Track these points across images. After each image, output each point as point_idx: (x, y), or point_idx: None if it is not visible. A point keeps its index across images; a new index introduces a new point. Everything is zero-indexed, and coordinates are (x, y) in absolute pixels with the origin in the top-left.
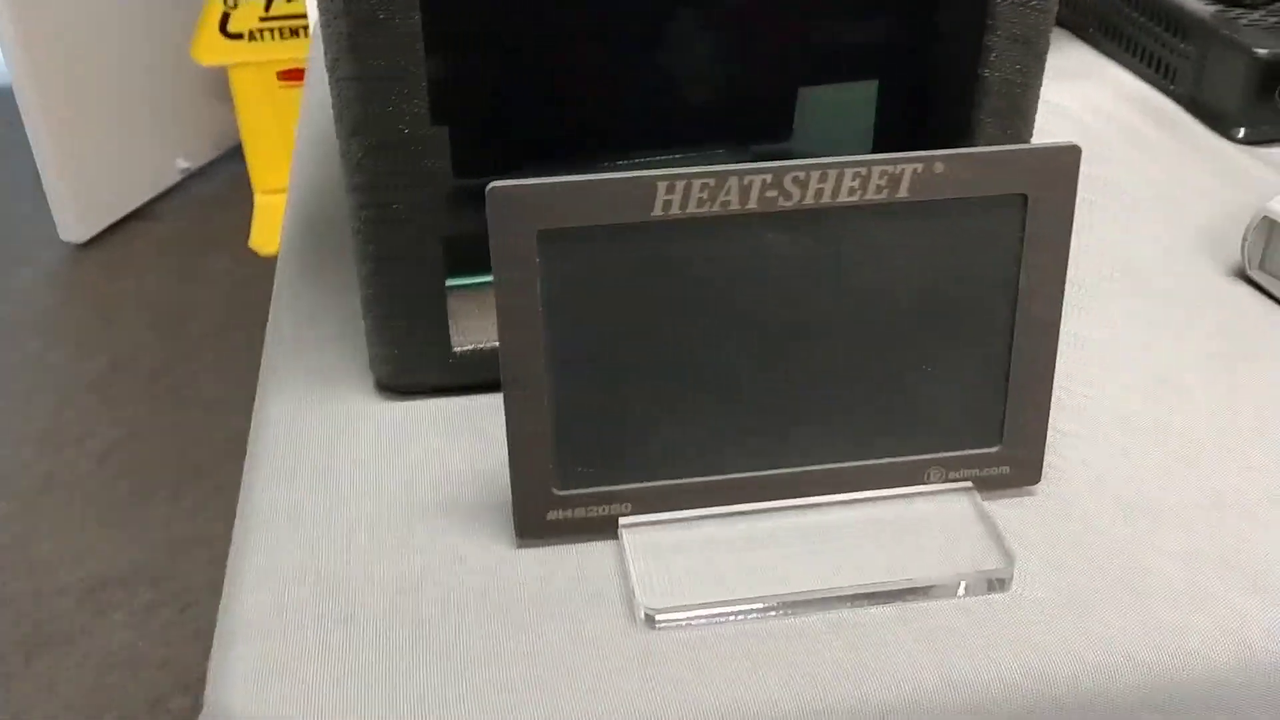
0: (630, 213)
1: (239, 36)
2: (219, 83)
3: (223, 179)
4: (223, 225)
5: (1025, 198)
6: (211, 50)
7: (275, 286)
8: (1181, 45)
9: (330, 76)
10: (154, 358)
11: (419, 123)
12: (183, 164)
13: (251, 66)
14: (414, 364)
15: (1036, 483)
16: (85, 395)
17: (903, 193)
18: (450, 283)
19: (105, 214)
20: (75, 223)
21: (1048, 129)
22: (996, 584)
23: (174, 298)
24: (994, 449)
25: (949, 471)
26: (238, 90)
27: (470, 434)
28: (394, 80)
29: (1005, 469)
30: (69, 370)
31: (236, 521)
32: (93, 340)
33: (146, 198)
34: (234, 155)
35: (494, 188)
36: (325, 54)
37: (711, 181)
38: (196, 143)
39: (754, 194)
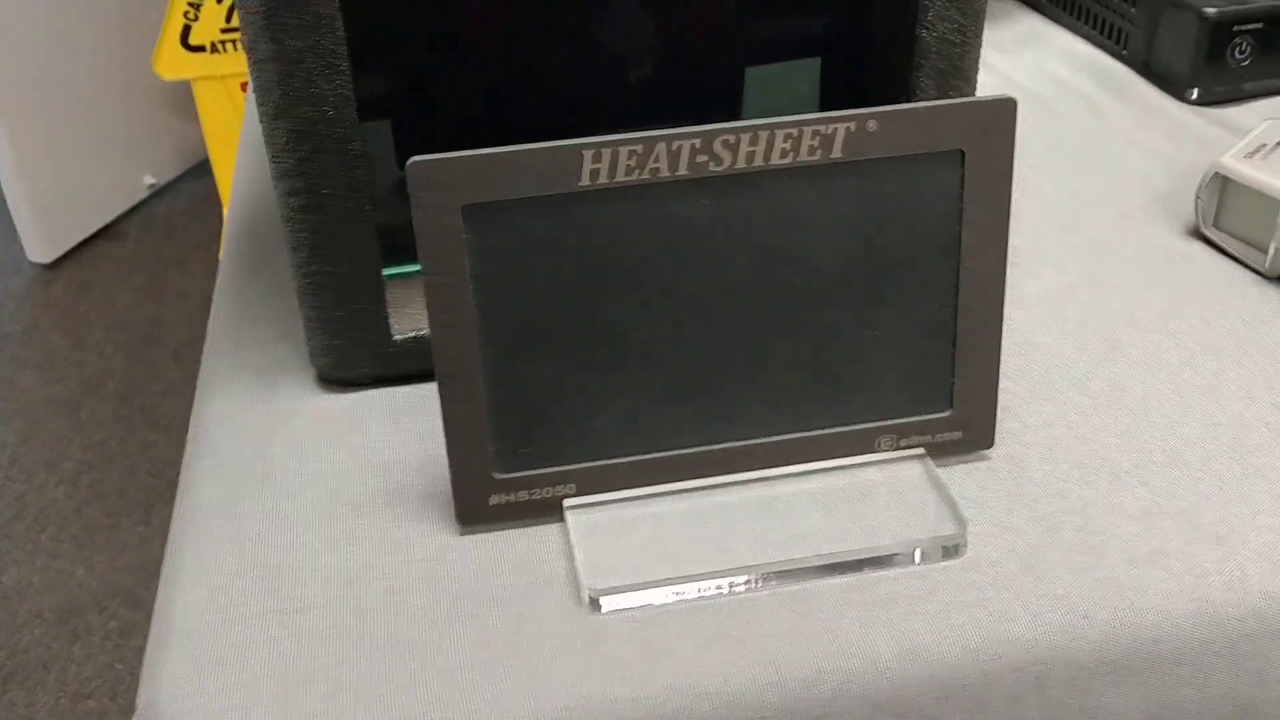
0: (557, 183)
1: (201, 49)
2: (184, 97)
3: (190, 194)
4: (192, 241)
5: (962, 153)
6: (173, 64)
7: (217, 285)
8: (1131, 9)
9: (250, 60)
10: (125, 378)
11: (343, 104)
12: (149, 180)
13: (215, 79)
14: (353, 354)
15: (990, 447)
16: (56, 418)
17: (837, 153)
18: (390, 271)
19: (72, 233)
20: (42, 243)
21: None
22: (951, 550)
23: (144, 316)
24: (945, 414)
25: (900, 439)
26: (202, 104)
27: (413, 423)
28: (314, 60)
29: (957, 434)
30: (39, 393)
31: (173, 519)
32: (63, 362)
33: (114, 216)
34: (201, 170)
35: (415, 162)
36: (243, 36)
37: (639, 148)
38: (163, 158)
39: (684, 160)
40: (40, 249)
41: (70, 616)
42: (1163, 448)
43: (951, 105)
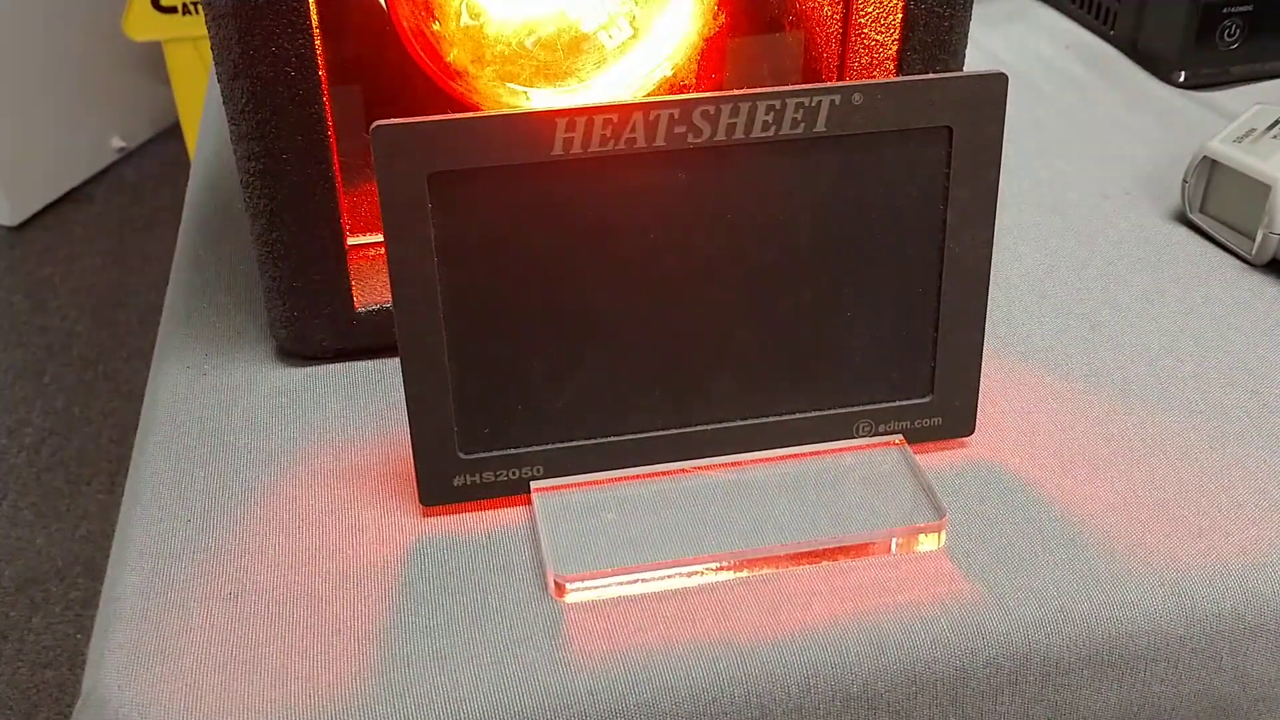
0: (528, 152)
1: (172, 10)
2: (154, 58)
3: (160, 158)
4: (160, 205)
5: (950, 130)
6: (144, 25)
7: (176, 251)
8: None
9: (207, 15)
10: (89, 343)
11: (306, 65)
12: (118, 143)
13: (186, 41)
14: (314, 326)
15: (970, 434)
16: (18, 384)
17: (820, 127)
18: (355, 241)
19: (39, 196)
20: (8, 205)
21: None
22: (928, 540)
23: (110, 281)
24: (925, 400)
25: (878, 425)
26: (173, 66)
27: (375, 398)
28: (274, 17)
29: (937, 420)
30: (1, 358)
31: (124, 496)
32: (25, 326)
33: (81, 179)
34: (172, 133)
35: (379, 126)
36: None
37: (615, 118)
38: (132, 121)
39: (661, 130)
40: (6, 211)
41: (29, 585)
42: (1143, 436)
43: (940, 79)
